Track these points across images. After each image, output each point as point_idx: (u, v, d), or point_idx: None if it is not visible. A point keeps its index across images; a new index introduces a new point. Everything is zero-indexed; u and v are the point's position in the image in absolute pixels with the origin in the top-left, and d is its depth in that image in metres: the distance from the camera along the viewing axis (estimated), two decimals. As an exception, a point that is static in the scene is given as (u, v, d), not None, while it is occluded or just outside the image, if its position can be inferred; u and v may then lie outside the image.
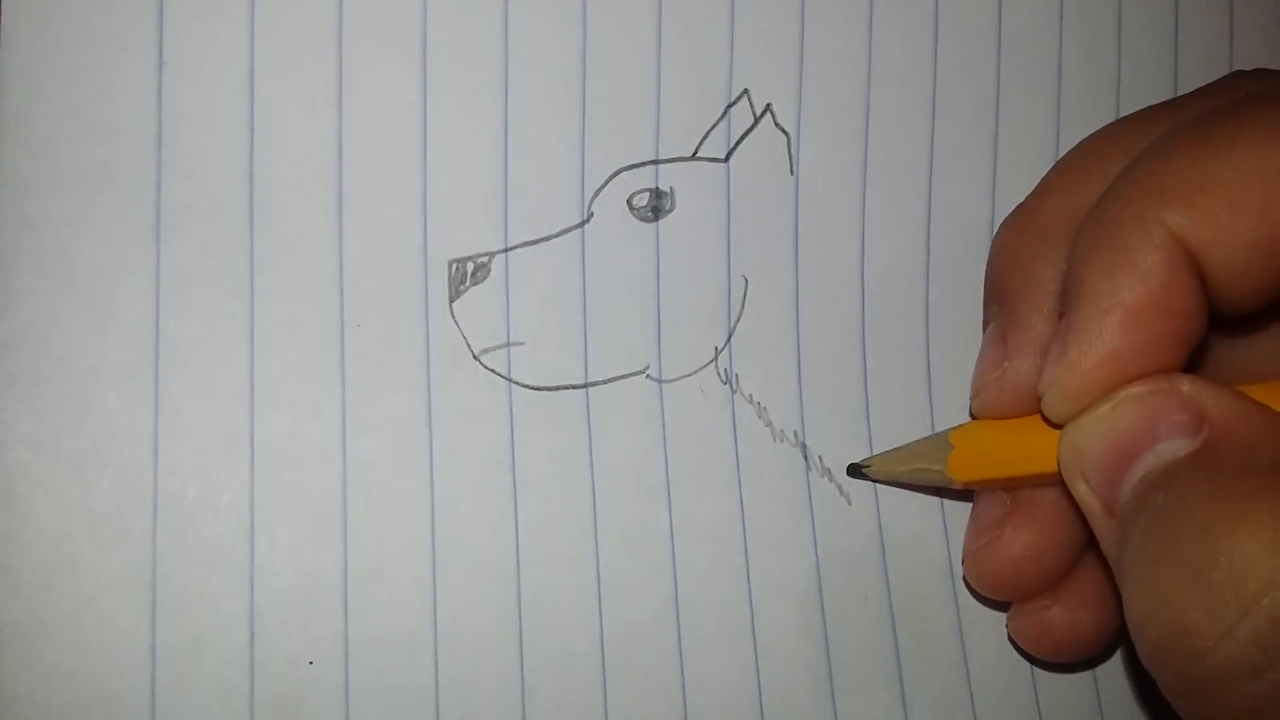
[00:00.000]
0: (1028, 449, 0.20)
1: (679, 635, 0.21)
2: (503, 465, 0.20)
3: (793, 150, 0.23)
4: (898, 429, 0.23)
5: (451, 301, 0.20)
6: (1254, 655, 0.15)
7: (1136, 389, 0.17)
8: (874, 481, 0.23)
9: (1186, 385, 0.17)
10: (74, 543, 0.18)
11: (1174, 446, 0.17)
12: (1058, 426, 0.19)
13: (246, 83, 0.19)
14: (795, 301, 0.23)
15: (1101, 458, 0.18)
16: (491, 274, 0.21)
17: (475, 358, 0.21)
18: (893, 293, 0.23)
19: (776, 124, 0.23)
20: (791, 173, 0.23)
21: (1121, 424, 0.17)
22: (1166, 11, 0.25)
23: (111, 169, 0.18)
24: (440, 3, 0.20)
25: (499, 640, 0.20)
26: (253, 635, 0.18)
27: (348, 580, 0.19)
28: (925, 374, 0.23)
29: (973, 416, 0.22)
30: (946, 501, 0.23)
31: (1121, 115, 0.23)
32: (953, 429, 0.22)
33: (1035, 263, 0.20)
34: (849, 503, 0.23)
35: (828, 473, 0.23)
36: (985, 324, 0.22)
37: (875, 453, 0.23)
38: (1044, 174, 0.21)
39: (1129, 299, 0.17)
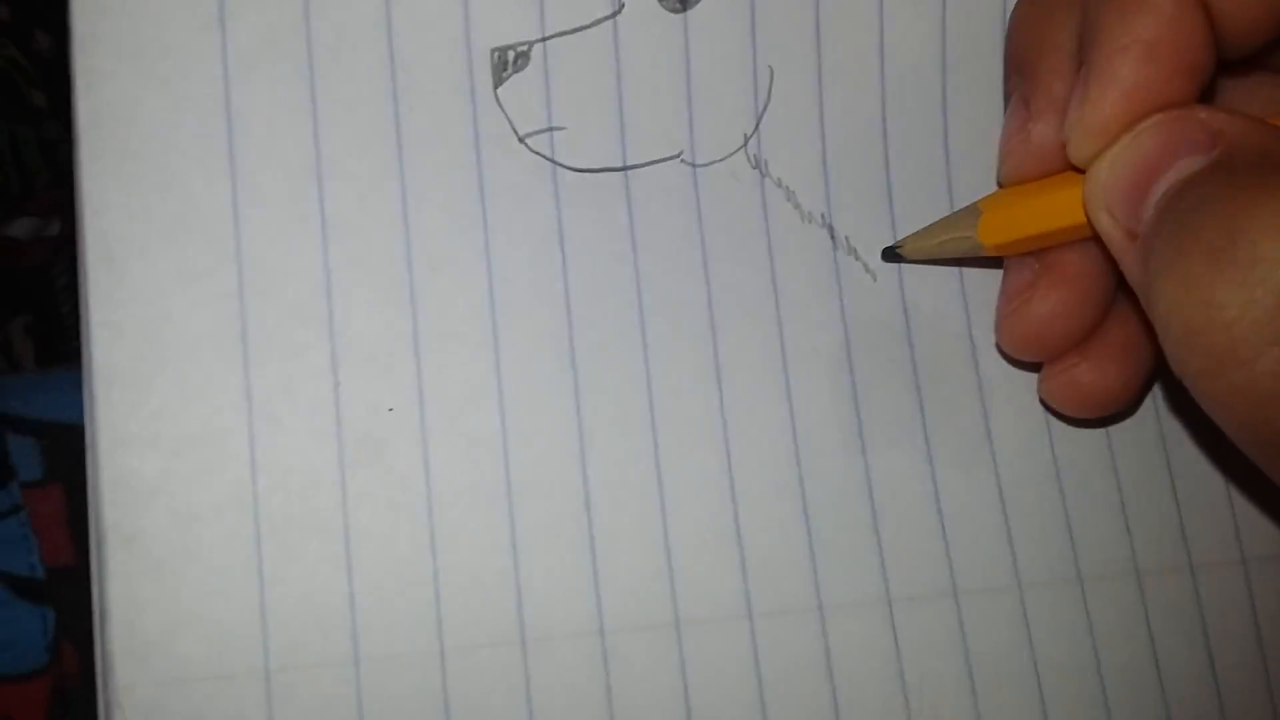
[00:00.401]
0: (1053, 205, 0.21)
1: (720, 395, 0.23)
2: (551, 239, 0.22)
3: (812, -59, 0.24)
4: (919, 210, 0.25)
5: (496, 88, 0.22)
6: (1276, 319, 0.16)
7: (1154, 118, 0.19)
8: (908, 262, 0.24)
9: (1202, 112, 0.18)
10: (170, 300, 0.19)
11: (1192, 162, 0.18)
12: (1081, 173, 0.20)
13: None
14: (819, 90, 0.24)
15: (1123, 185, 0.19)
16: (531, 61, 0.22)
17: (521, 140, 0.22)
18: (911, 81, 0.25)
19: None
20: (810, -34, 0.24)
21: (1141, 151, 0.19)
22: None
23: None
24: None
25: (557, 391, 0.21)
26: (337, 384, 0.20)
27: (417, 336, 0.21)
28: (944, 157, 0.25)
29: (1000, 186, 0.23)
30: (966, 278, 0.25)
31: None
32: (980, 199, 0.23)
33: (1053, 29, 0.21)
34: (874, 279, 0.24)
35: (854, 251, 0.24)
36: (1007, 96, 0.23)
37: (898, 233, 0.24)
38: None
39: (1144, 35, 0.18)
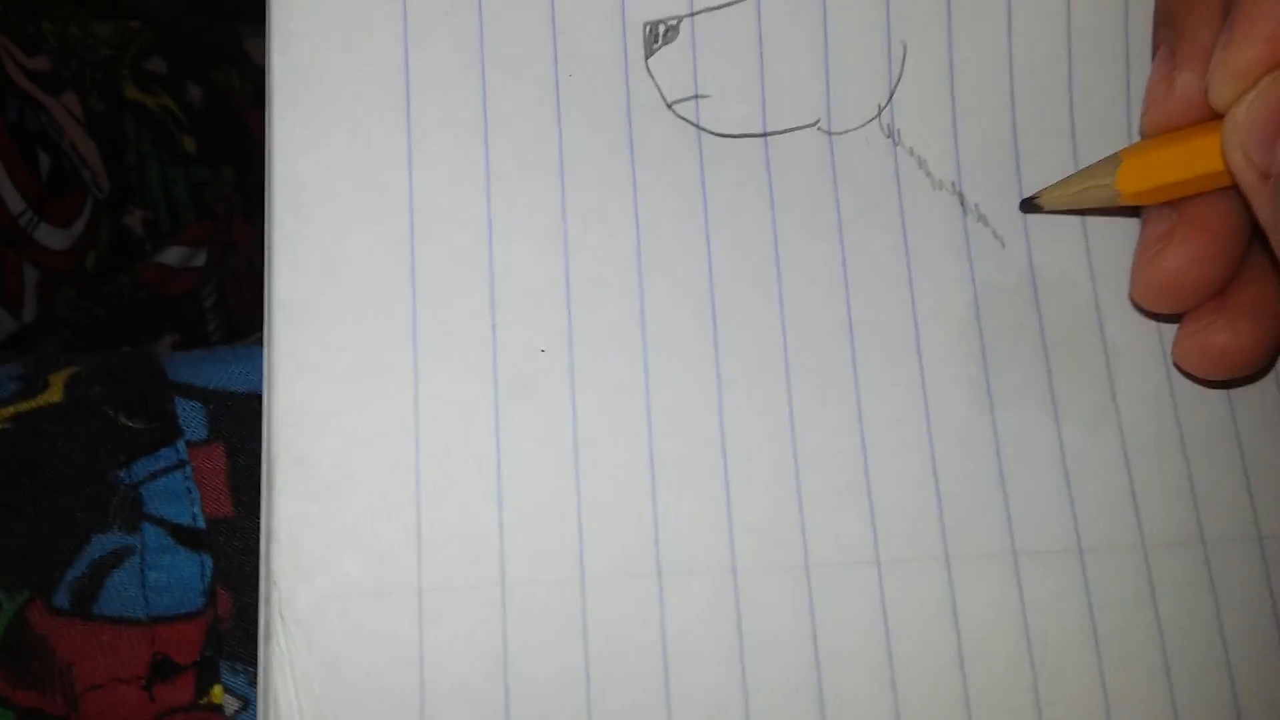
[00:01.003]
0: (1192, 151, 0.22)
1: (852, 350, 0.24)
2: (695, 200, 0.23)
3: (945, -76, 0.25)
4: (1046, 179, 0.25)
5: (647, 58, 0.23)
6: None
7: None
8: (1045, 212, 0.24)
9: None
10: (347, 242, 0.21)
11: None
12: (1221, 120, 0.20)
13: None
14: (950, 64, 0.25)
15: (1259, 126, 0.19)
16: (680, 35, 0.24)
17: (669, 107, 0.23)
18: (1037, 55, 0.25)
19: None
20: (944, -52, 0.25)
21: (1277, 93, 0.19)
22: None
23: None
24: None
25: (697, 340, 0.23)
26: (494, 324, 0.22)
27: (569, 284, 0.22)
28: (1070, 128, 0.25)
29: (1142, 136, 0.24)
30: (1092, 244, 0.25)
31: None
32: (1122, 149, 0.23)
33: None
34: (1003, 245, 0.25)
35: (983, 218, 0.25)
36: (1155, 49, 0.23)
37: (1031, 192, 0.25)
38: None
39: None
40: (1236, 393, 0.25)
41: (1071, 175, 0.24)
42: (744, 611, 0.22)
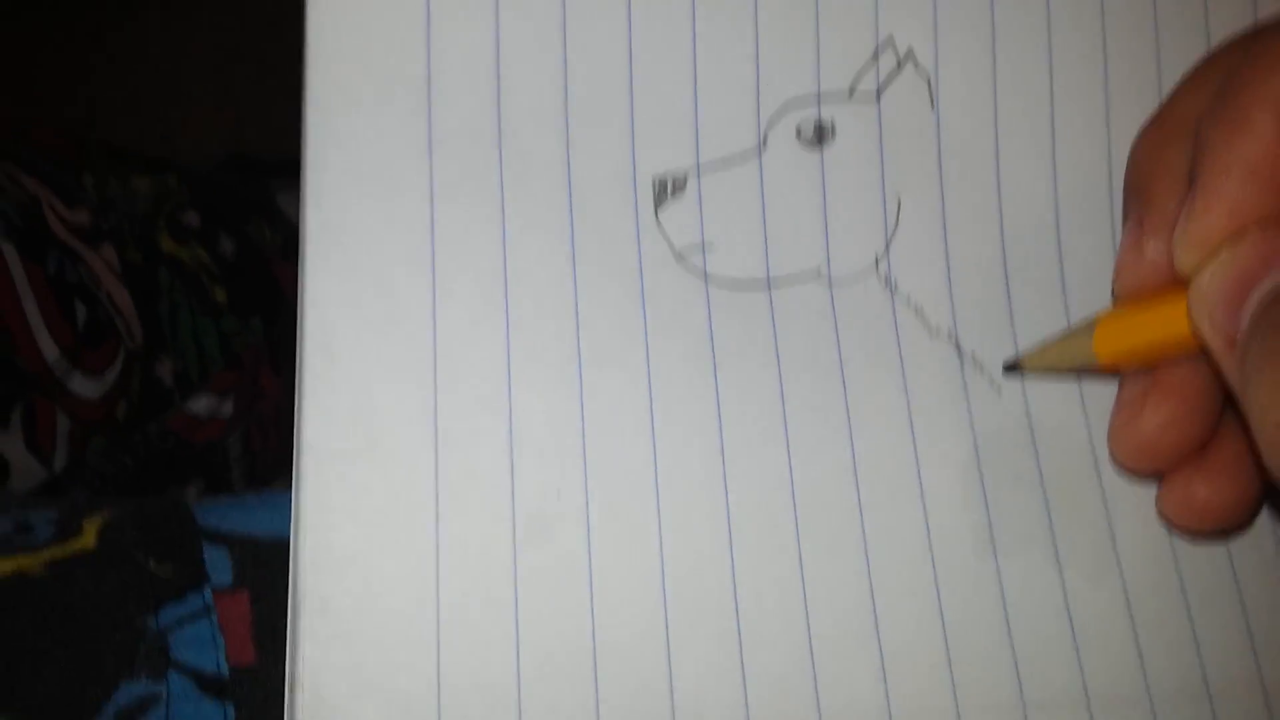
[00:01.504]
0: (1162, 318, 0.23)
1: (859, 497, 0.24)
2: (704, 346, 0.24)
3: (933, 89, 0.27)
4: (1038, 328, 0.26)
5: (656, 211, 0.25)
6: None
7: (1251, 230, 0.20)
8: (1027, 374, 0.26)
9: None
10: (374, 387, 0.22)
11: None
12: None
13: (494, 63, 0.24)
14: (943, 217, 0.26)
15: (1222, 294, 0.20)
16: (687, 189, 0.25)
17: (677, 257, 0.25)
18: (1026, 211, 0.27)
19: (917, 66, 0.27)
20: (932, 108, 0.27)
21: (1238, 261, 0.20)
22: None
23: (391, 91, 0.23)
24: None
25: (707, 483, 0.23)
26: (513, 467, 0.22)
27: (584, 427, 0.23)
28: (1060, 279, 0.27)
29: (1115, 301, 0.25)
30: (1086, 393, 0.26)
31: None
32: (1096, 314, 0.25)
33: (1168, 153, 0.23)
34: (999, 394, 0.26)
35: (979, 366, 0.26)
36: (1124, 218, 0.25)
37: (1019, 350, 0.26)
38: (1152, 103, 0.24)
39: (1248, 155, 0.20)
40: (1235, 544, 0.26)
41: (1050, 340, 0.25)
42: (758, 756, 0.22)
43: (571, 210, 0.24)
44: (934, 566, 0.24)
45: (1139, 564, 0.25)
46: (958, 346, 0.26)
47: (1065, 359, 0.25)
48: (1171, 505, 0.24)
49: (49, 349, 0.42)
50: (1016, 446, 0.26)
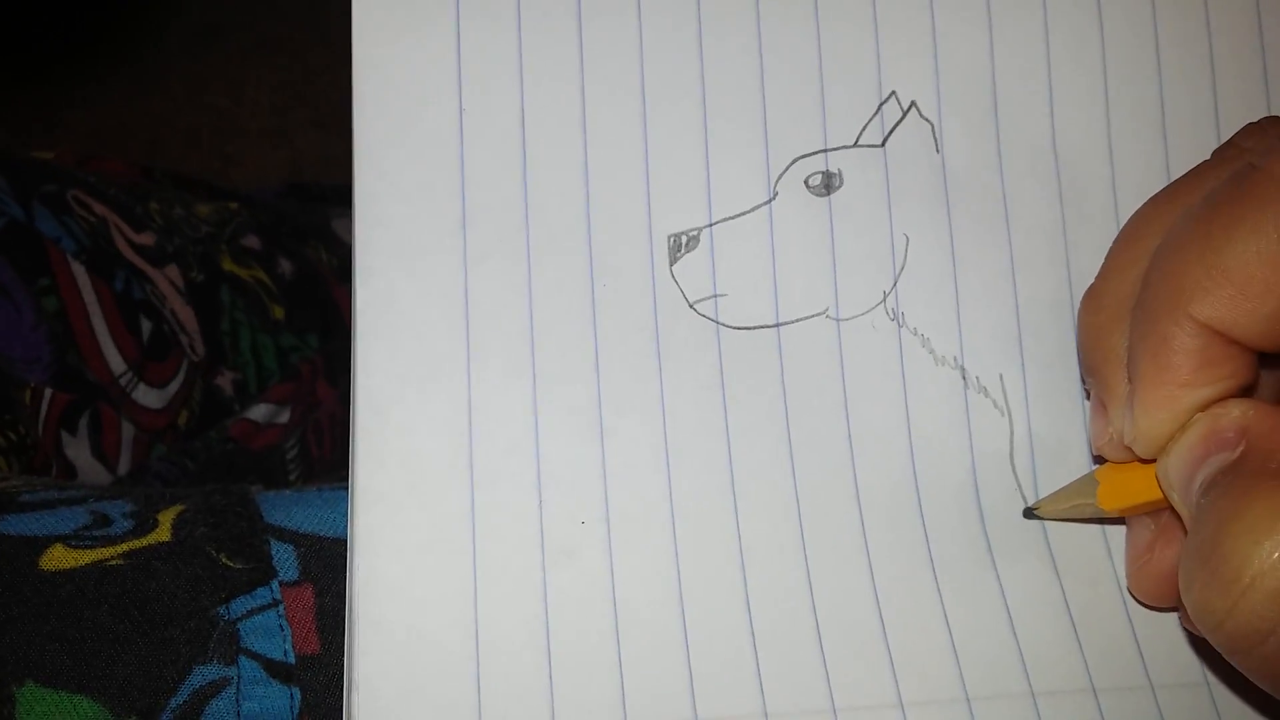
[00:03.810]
0: (1145, 482, 0.25)
1: (860, 517, 0.27)
2: (715, 388, 0.27)
3: (937, 135, 0.28)
4: (1046, 354, 0.28)
5: (671, 265, 0.27)
6: (1257, 624, 0.20)
7: (1197, 418, 0.23)
8: (1046, 520, 0.28)
9: (1236, 409, 0.22)
10: (417, 440, 0.25)
11: (1220, 458, 0.22)
12: None
13: (519, 130, 0.27)
14: (951, 251, 0.28)
15: (1179, 475, 0.23)
16: (700, 243, 0.27)
17: (690, 306, 0.27)
18: (1035, 243, 0.28)
19: (922, 116, 0.28)
20: (938, 151, 0.28)
21: (1188, 447, 0.23)
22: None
23: (429, 173, 0.26)
24: (652, 52, 0.28)
25: (720, 512, 0.26)
26: (540, 502, 0.25)
27: (605, 465, 0.26)
28: (1069, 304, 0.28)
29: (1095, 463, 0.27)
30: (1086, 413, 0.28)
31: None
32: (1096, 469, 0.27)
33: (1111, 340, 0.25)
34: (1002, 414, 0.28)
35: (984, 390, 0.28)
36: (1088, 394, 0.27)
37: (1026, 374, 0.28)
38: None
39: (1179, 378, 0.23)
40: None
41: (1061, 491, 0.27)
42: (773, 757, 0.25)
43: (592, 271, 0.27)
44: (935, 577, 0.26)
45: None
46: (963, 372, 0.28)
47: (1078, 509, 0.27)
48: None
49: (115, 362, 0.46)
50: (1016, 464, 0.27)
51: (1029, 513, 0.28)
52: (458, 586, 0.25)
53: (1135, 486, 0.25)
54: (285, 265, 0.56)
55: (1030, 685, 0.26)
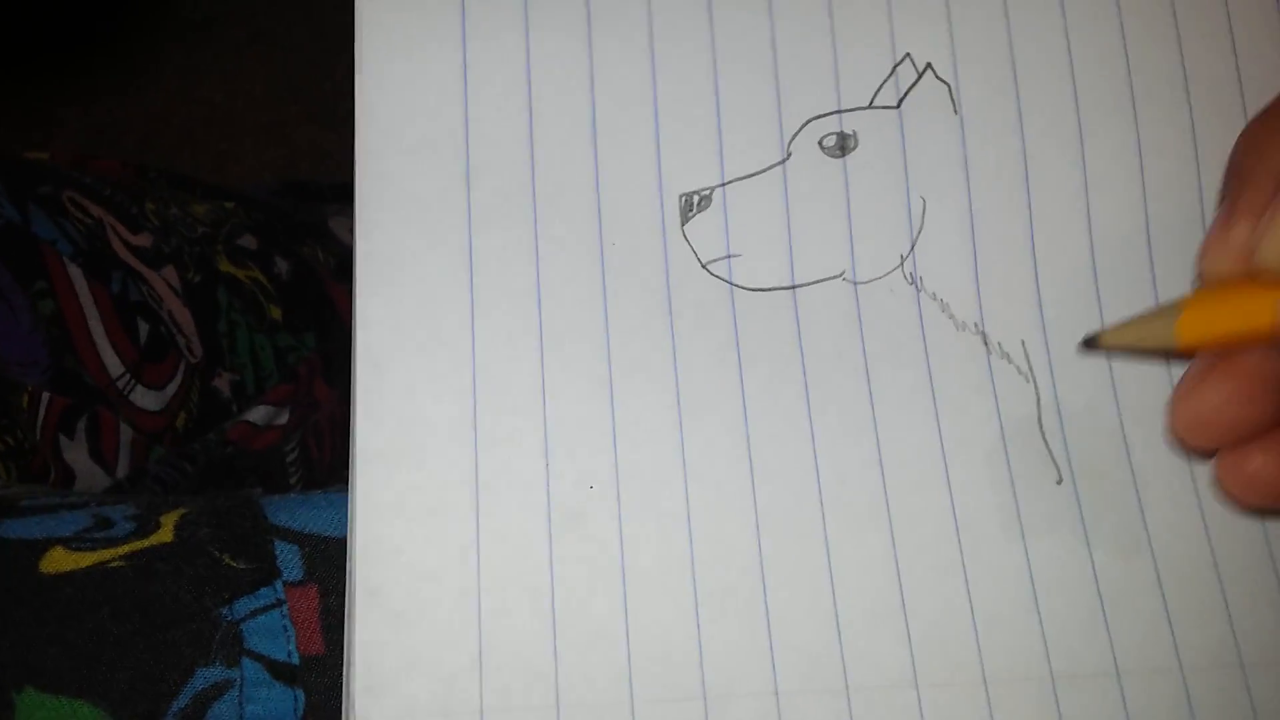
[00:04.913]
0: (1249, 310, 0.23)
1: (883, 482, 0.25)
2: (729, 348, 0.26)
3: (955, 96, 0.27)
4: (1068, 317, 0.27)
5: (683, 225, 0.26)
6: None
7: None
8: (1104, 351, 0.26)
9: None
10: (419, 397, 0.24)
11: None
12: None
13: (526, 112, 0.26)
14: (969, 214, 0.27)
15: None
16: (713, 203, 0.26)
17: (703, 267, 0.26)
18: (1055, 204, 0.28)
19: (938, 77, 0.27)
20: (956, 113, 0.27)
21: None
22: None
23: (433, 129, 0.25)
24: (662, 7, 0.27)
25: (735, 476, 0.25)
26: (547, 465, 0.24)
27: (615, 430, 0.25)
28: (1091, 269, 0.27)
29: (1199, 280, 0.25)
30: (1117, 378, 0.27)
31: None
32: (1181, 298, 0.25)
33: (1271, 147, 0.24)
34: (1027, 380, 0.26)
35: (1006, 355, 0.27)
36: (1220, 198, 0.25)
37: (1049, 339, 0.27)
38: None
39: None
40: (1272, 524, 0.26)
41: (1131, 320, 0.26)
42: (787, 733, 0.23)
43: (601, 230, 0.26)
44: (960, 548, 0.25)
45: (1170, 541, 0.27)
46: (985, 337, 0.27)
47: (1144, 339, 0.26)
48: (1227, 476, 0.25)
49: (113, 364, 0.46)
50: (1044, 430, 0.26)
51: (1089, 342, 0.26)
52: (459, 554, 0.24)
53: (1224, 321, 0.23)
54: (282, 265, 0.55)
55: (1050, 668, 0.25)
